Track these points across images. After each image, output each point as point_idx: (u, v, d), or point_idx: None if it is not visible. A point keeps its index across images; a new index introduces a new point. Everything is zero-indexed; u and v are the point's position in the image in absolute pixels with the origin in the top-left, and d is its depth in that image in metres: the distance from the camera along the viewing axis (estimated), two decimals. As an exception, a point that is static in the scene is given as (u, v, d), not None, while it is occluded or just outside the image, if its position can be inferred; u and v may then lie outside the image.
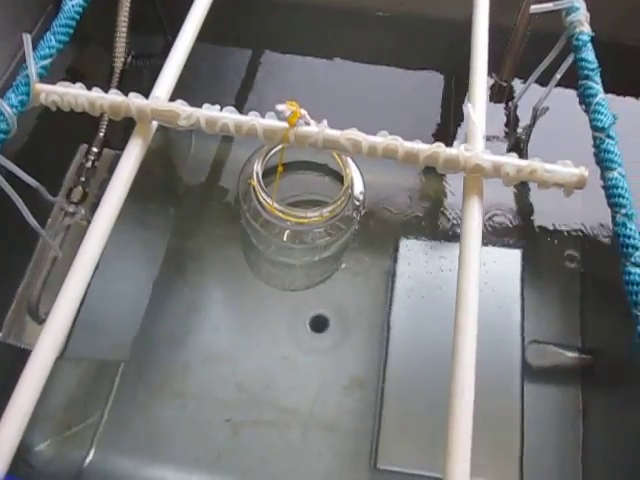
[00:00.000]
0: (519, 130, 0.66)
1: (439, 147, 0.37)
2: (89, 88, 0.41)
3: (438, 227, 0.67)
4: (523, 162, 0.37)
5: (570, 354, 0.61)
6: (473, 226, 0.37)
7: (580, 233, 0.66)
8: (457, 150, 0.37)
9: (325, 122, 0.38)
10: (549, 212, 0.67)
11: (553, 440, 0.58)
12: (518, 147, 0.65)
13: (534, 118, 0.61)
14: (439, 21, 0.73)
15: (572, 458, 0.57)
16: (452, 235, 0.66)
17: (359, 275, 0.66)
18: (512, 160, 0.37)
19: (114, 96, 0.40)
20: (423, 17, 0.74)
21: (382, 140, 0.37)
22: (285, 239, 0.53)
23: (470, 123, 0.40)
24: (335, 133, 0.38)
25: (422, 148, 0.37)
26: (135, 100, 0.39)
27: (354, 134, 0.37)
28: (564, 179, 0.36)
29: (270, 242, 0.56)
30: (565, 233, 0.66)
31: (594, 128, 0.40)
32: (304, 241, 0.53)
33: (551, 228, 0.67)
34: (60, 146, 0.65)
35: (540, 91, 0.61)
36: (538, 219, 0.67)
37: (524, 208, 0.68)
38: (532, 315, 0.63)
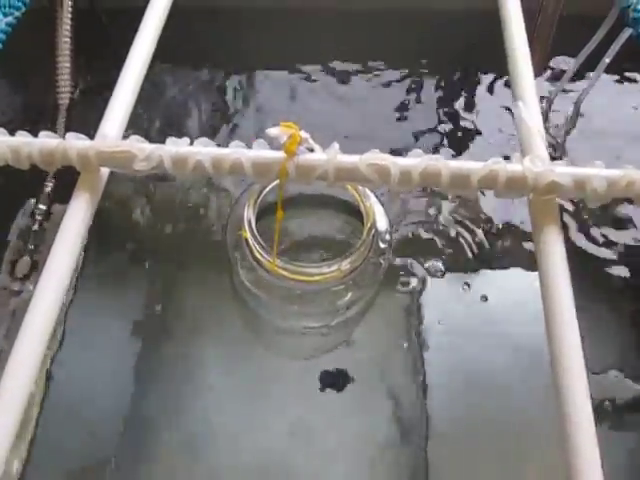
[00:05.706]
0: (554, 129, 0.55)
1: (497, 163, 0.27)
2: (12, 133, 0.30)
3: (470, 250, 0.56)
4: (615, 172, 0.27)
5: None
6: (557, 268, 0.27)
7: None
8: (521, 165, 0.27)
9: (336, 146, 0.28)
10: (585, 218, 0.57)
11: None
12: (553, 151, 0.55)
13: (576, 113, 0.51)
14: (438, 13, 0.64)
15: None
16: (487, 259, 0.56)
17: (378, 315, 0.55)
18: (600, 172, 0.27)
19: (45, 140, 0.29)
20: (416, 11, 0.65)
21: (418, 162, 0.27)
22: (292, 304, 0.41)
23: (523, 127, 0.31)
24: (352, 160, 0.28)
25: (474, 168, 0.27)
26: (74, 143, 0.29)
27: (379, 158, 0.27)
28: (673, 190, 0.27)
29: (273, 308, 0.44)
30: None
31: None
32: (319, 303, 0.42)
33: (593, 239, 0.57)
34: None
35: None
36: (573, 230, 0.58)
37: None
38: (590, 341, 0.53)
